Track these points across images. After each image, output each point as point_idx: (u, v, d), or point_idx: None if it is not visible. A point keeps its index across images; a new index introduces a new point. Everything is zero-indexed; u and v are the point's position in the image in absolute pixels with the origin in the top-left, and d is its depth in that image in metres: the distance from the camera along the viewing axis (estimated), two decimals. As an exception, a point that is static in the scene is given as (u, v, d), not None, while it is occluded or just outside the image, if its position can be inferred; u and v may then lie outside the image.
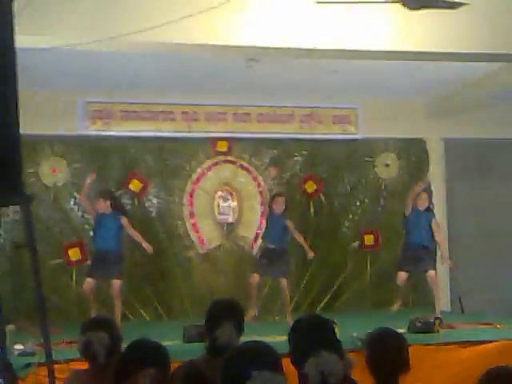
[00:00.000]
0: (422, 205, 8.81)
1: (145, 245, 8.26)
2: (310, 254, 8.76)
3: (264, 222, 9.37)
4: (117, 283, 8.04)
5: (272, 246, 8.69)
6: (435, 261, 9.06)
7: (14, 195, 2.87)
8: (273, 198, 9.00)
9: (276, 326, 7.28)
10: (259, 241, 9.38)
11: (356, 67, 8.14)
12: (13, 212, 8.56)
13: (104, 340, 3.82)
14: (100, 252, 8.20)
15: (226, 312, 3.83)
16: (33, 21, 5.85)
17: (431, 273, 8.70)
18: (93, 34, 6.26)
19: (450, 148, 10.48)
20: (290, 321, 8.14)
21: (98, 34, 6.25)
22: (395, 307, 8.79)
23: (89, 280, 8.05)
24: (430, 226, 8.81)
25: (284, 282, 8.55)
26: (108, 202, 8.23)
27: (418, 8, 6.13)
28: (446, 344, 6.77)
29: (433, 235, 8.80)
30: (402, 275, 8.72)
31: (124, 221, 8.28)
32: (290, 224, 8.67)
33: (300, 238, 8.76)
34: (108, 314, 7.51)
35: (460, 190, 10.47)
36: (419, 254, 8.71)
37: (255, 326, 7.85)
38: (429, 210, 8.99)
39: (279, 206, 8.72)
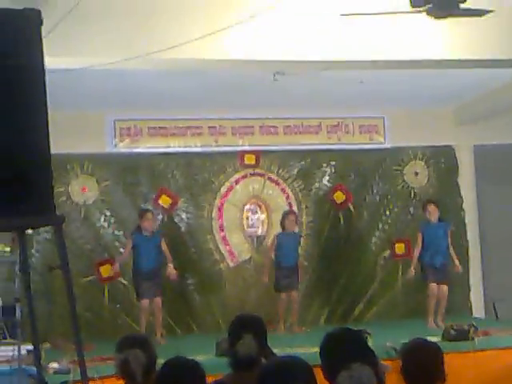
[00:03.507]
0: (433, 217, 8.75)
1: (170, 269, 8.45)
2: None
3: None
4: (160, 300, 8.32)
5: (287, 265, 8.86)
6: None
7: (46, 217, 2.90)
8: (285, 215, 9.12)
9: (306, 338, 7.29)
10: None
11: (382, 76, 8.13)
12: (44, 231, 8.62)
13: (141, 358, 3.83)
14: (147, 272, 8.33)
15: (245, 326, 3.85)
16: (60, 42, 5.92)
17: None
18: (119, 53, 6.33)
19: (480, 154, 10.40)
20: (297, 331, 8.67)
21: (124, 52, 6.32)
22: (431, 323, 8.53)
23: (145, 301, 8.25)
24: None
25: (296, 294, 8.86)
26: (152, 222, 8.53)
27: (444, 17, 6.10)
28: (482, 351, 6.70)
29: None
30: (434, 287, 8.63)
31: (163, 240, 8.57)
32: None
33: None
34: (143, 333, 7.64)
35: (491, 197, 10.37)
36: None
37: (287, 338, 7.91)
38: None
39: (292, 224, 8.99)
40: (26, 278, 2.98)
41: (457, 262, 8.78)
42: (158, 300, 8.31)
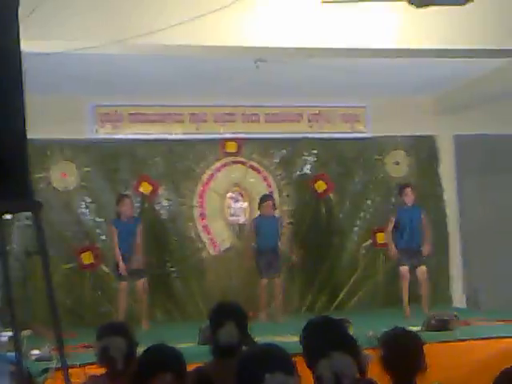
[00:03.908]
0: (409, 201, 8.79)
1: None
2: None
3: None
4: (144, 282, 8.36)
5: (266, 248, 8.82)
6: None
7: (24, 202, 2.86)
8: (260, 200, 9.06)
9: (288, 326, 7.27)
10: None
11: (364, 65, 8.11)
12: (25, 217, 8.54)
13: (121, 346, 3.82)
14: (126, 257, 8.33)
15: (227, 313, 3.86)
16: (40, 25, 5.87)
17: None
18: (100, 38, 6.27)
19: (460, 144, 10.42)
20: (280, 319, 8.55)
21: (105, 37, 6.26)
22: (407, 311, 8.59)
23: (124, 284, 8.28)
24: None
25: (278, 281, 8.84)
26: (130, 207, 8.54)
27: (425, 5, 6.10)
28: (463, 341, 6.72)
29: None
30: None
31: (140, 227, 8.53)
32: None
33: None
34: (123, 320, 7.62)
35: (471, 186, 10.41)
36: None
37: (269, 326, 7.91)
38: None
39: (268, 208, 8.92)
40: (5, 264, 2.93)
41: (427, 244, 8.76)
42: (141, 282, 8.31)
